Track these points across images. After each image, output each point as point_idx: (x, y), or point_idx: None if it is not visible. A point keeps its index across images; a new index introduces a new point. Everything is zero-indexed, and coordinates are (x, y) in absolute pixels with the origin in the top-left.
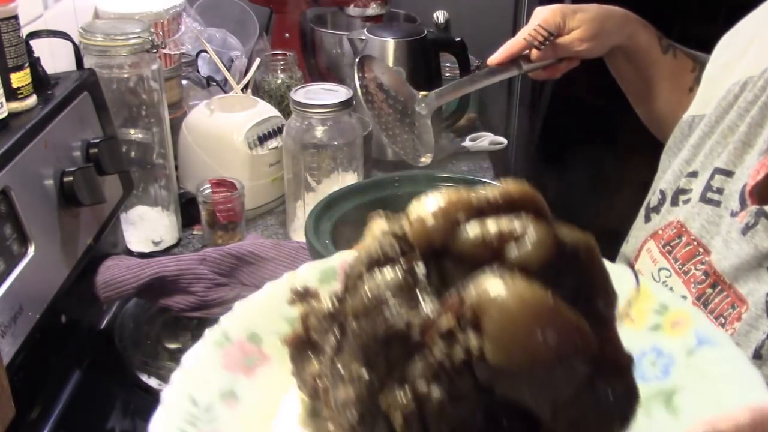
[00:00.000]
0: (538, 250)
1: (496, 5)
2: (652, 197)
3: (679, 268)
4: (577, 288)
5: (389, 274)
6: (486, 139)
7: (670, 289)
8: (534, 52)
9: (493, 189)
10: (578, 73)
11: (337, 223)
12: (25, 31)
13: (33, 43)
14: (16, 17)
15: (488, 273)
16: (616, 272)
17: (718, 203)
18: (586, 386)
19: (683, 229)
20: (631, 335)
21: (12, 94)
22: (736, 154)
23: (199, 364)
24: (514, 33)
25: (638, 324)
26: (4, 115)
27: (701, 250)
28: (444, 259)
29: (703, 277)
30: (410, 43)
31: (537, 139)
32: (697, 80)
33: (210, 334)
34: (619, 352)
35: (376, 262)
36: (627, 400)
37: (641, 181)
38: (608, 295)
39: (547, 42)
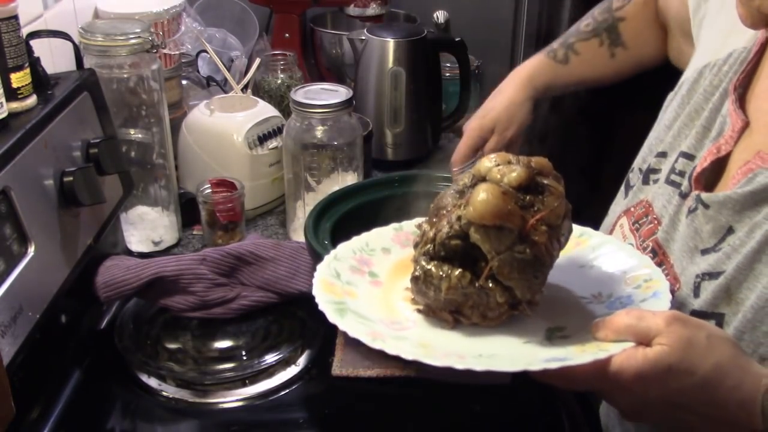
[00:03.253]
0: (515, 179)
1: (496, 5)
2: (631, 174)
3: (640, 244)
4: (532, 202)
5: (456, 187)
6: None
7: None
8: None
9: (527, 158)
10: None
11: (337, 223)
12: (25, 31)
13: (33, 43)
14: (16, 17)
15: (484, 183)
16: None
17: (678, 185)
18: (511, 244)
19: (650, 208)
20: (623, 287)
21: (12, 94)
22: (697, 139)
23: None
24: (514, 33)
25: (632, 282)
26: (4, 115)
27: (659, 228)
28: (485, 181)
29: (651, 254)
30: (410, 43)
31: (536, 139)
32: (612, 44)
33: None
34: (536, 238)
35: (458, 184)
36: (531, 262)
37: None
38: (548, 210)
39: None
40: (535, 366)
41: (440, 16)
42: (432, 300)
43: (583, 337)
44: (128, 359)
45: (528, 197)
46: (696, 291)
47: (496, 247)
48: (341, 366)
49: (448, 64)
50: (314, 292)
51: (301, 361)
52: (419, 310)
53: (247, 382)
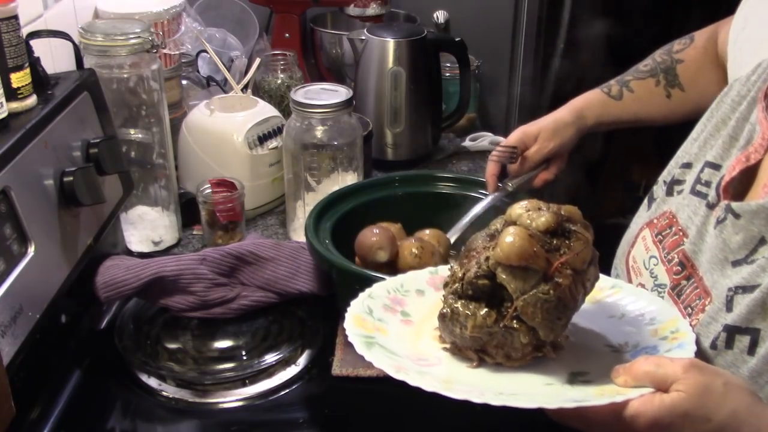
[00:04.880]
0: (543, 224)
1: (496, 5)
2: (656, 187)
3: (664, 256)
4: (558, 246)
5: (488, 231)
6: (486, 139)
7: (655, 276)
8: (511, 168)
9: (558, 205)
10: (578, 73)
11: (337, 223)
12: (25, 31)
13: (33, 43)
14: (16, 17)
15: (512, 227)
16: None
17: (705, 195)
18: (536, 284)
19: (674, 219)
20: (650, 338)
21: (12, 94)
22: (724, 148)
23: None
24: (514, 33)
25: (659, 334)
26: (4, 115)
27: (685, 240)
28: (515, 225)
29: (679, 267)
30: (410, 43)
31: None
32: (668, 85)
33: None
34: (560, 280)
35: (490, 228)
36: (554, 303)
37: (637, 180)
38: (573, 254)
39: (514, 156)
40: (551, 405)
41: (440, 16)
42: (458, 337)
43: (604, 383)
44: (128, 359)
45: (555, 241)
46: (729, 305)
47: (521, 288)
48: (341, 366)
49: (448, 64)
50: (345, 326)
51: (301, 361)
52: (446, 348)
53: (247, 382)
